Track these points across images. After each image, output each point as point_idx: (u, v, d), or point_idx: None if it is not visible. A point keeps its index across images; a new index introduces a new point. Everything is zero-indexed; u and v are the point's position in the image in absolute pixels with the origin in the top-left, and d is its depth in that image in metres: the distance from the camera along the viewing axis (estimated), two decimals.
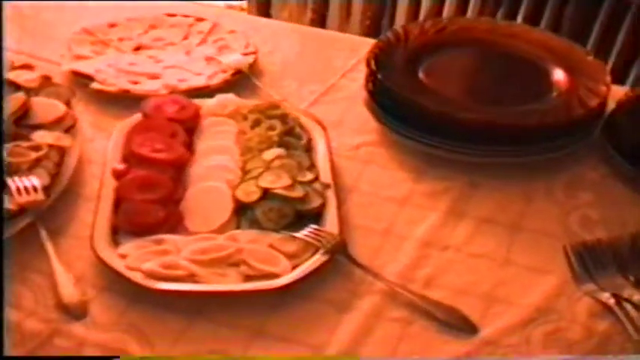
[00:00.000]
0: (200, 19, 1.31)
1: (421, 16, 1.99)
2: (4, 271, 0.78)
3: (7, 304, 0.77)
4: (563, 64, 1.09)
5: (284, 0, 2.37)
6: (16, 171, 0.90)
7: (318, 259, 0.82)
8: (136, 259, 0.81)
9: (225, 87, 1.12)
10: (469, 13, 1.87)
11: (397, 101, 1.01)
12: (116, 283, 0.81)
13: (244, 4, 2.49)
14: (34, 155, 0.92)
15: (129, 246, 0.83)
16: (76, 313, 0.78)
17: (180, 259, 0.81)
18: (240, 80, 1.16)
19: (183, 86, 1.12)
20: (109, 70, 1.15)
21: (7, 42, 1.22)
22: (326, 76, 1.21)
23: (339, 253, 0.83)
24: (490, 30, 1.17)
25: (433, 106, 0.99)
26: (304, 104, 1.13)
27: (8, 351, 0.74)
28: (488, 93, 1.07)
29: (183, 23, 1.30)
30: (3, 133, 0.92)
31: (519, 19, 1.85)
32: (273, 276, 0.80)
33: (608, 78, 1.05)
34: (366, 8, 2.06)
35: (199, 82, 1.14)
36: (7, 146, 0.92)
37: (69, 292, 0.79)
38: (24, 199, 0.87)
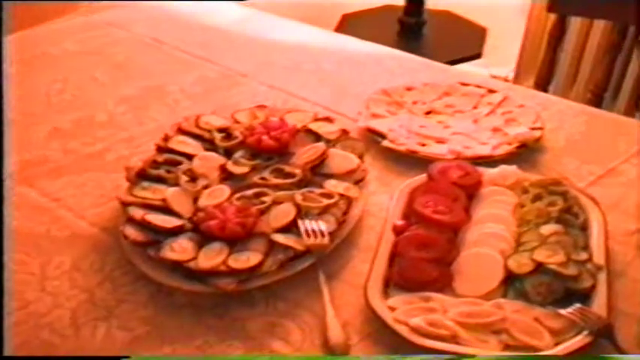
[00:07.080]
0: (492, 91, 1.35)
1: None
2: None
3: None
4: None
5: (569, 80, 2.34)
6: (306, 214, 0.97)
7: (581, 339, 0.81)
8: (404, 312, 0.86)
9: (509, 158, 1.14)
10: None
11: None
12: (379, 333, 0.85)
13: (509, 75, 2.48)
14: (325, 202, 0.98)
15: (398, 299, 0.88)
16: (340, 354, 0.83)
17: (446, 319, 0.84)
18: (524, 153, 1.17)
19: (468, 153, 1.16)
20: (401, 131, 1.22)
21: (308, 94, 1.34)
22: (607, 158, 1.19)
23: (604, 336, 0.82)
24: None
25: None
26: (582, 184, 1.11)
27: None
28: None
29: (475, 93, 1.34)
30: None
31: None
32: (534, 349, 0.81)
33: None
34: None
35: (484, 151, 1.17)
36: (301, 191, 1.00)
37: (337, 334, 0.84)
38: (311, 241, 0.94)
